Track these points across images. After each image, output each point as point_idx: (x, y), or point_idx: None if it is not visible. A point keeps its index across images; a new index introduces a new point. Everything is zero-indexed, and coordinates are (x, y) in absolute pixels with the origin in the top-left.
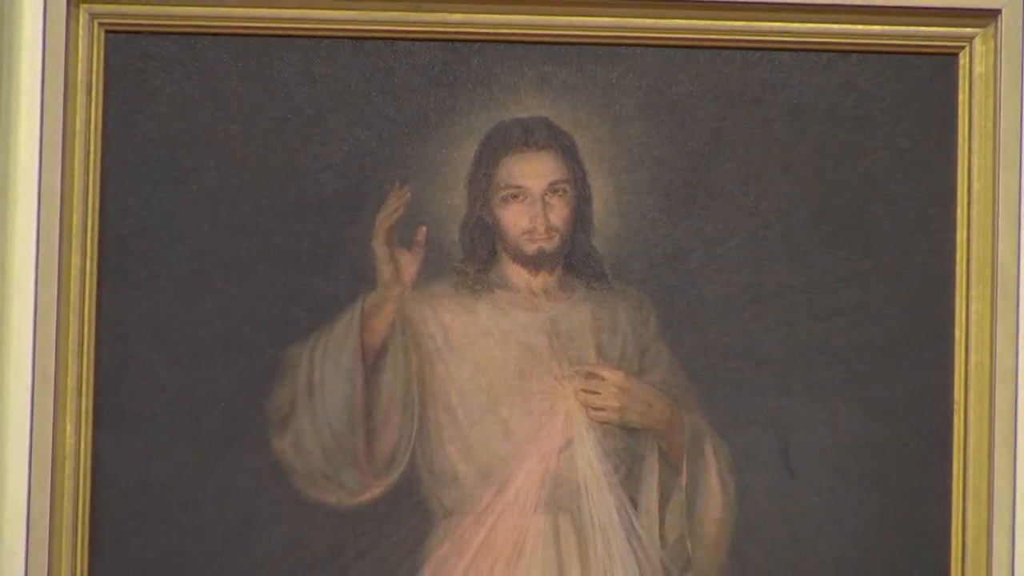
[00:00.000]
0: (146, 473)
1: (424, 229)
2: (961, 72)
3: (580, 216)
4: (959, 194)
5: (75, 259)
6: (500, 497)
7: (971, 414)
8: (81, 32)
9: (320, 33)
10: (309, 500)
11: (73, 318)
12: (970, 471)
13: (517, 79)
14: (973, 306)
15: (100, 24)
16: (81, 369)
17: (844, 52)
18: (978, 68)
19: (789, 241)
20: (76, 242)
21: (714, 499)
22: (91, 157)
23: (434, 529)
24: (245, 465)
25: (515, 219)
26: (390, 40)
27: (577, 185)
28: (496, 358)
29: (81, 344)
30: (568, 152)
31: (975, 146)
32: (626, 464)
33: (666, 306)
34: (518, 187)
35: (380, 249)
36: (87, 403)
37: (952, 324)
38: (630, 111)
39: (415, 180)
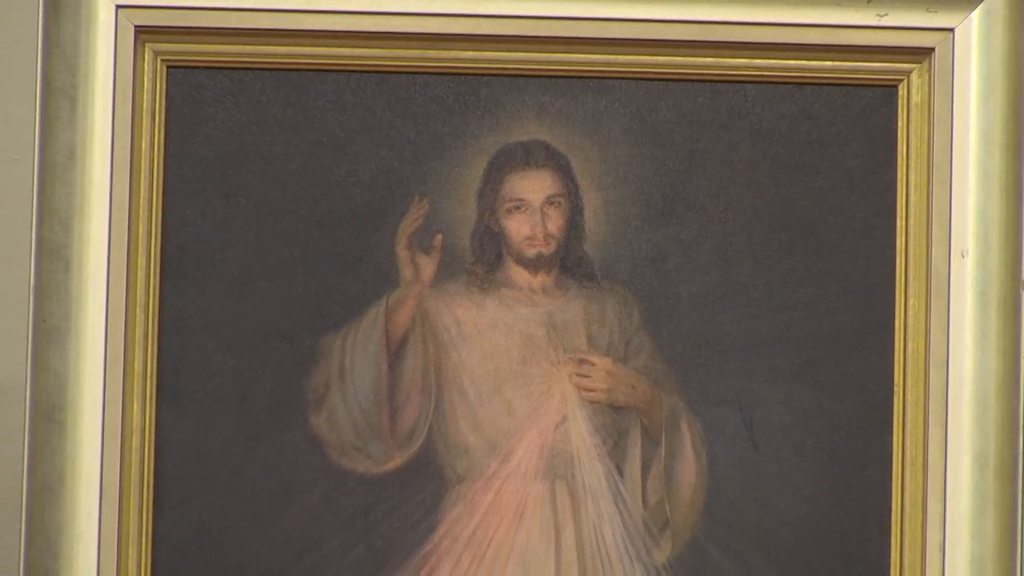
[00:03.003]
0: (201, 445)
1: (440, 236)
2: (900, 101)
3: (573, 225)
4: (898, 206)
5: (141, 262)
6: (505, 466)
7: (909, 394)
8: (146, 67)
9: (350, 68)
10: (341, 468)
11: (139, 312)
12: (908, 443)
13: (519, 107)
14: (910, 302)
15: (162, 60)
16: (146, 356)
17: (799, 84)
18: (915, 98)
19: (752, 246)
20: (142, 247)
21: (689, 467)
22: (155, 174)
23: (448, 493)
24: (286, 438)
25: (518, 227)
26: (411, 74)
27: (571, 198)
28: (501, 347)
29: (146, 334)
30: (563, 170)
31: (912, 165)
32: (613, 437)
33: (647, 302)
34: (520, 200)
35: (402, 253)
36: (151, 385)
37: (892, 317)
38: (616, 135)
39: (432, 194)
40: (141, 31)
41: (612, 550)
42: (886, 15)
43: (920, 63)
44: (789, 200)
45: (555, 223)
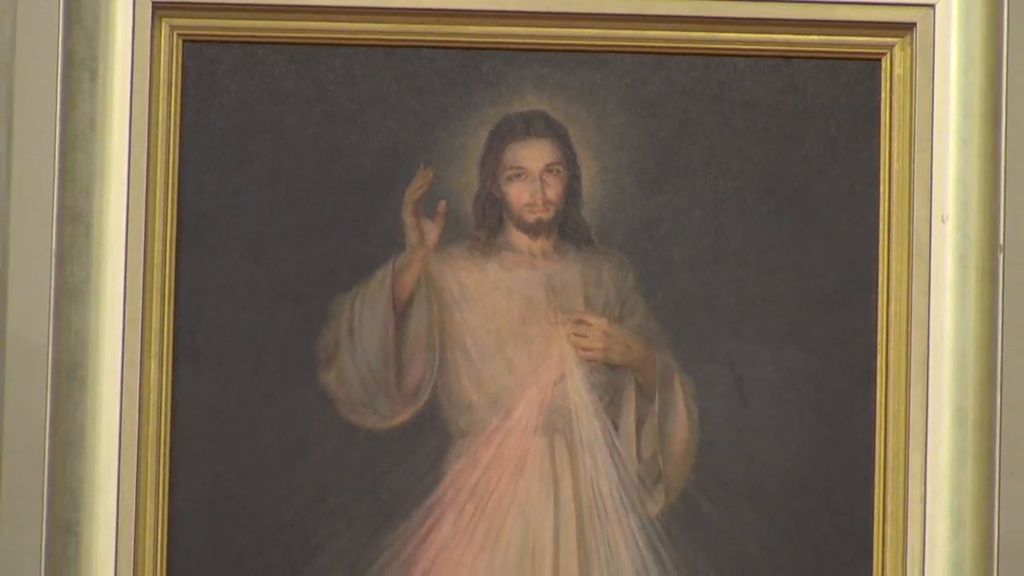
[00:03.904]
0: (216, 402)
1: (444, 202)
2: (883, 74)
3: (571, 192)
4: (881, 174)
5: (158, 226)
6: (506, 421)
7: (891, 353)
8: (163, 42)
9: (359, 42)
10: (350, 424)
11: (156, 274)
12: (890, 400)
13: (520, 80)
14: (893, 265)
15: (179, 35)
16: (163, 316)
17: (787, 58)
18: (897, 71)
19: (742, 212)
20: (159, 213)
21: (681, 423)
22: (171, 144)
23: (452, 447)
24: (297, 395)
25: (518, 194)
26: (416, 48)
27: (569, 166)
28: (502, 308)
29: (163, 296)
30: (562, 139)
31: (894, 134)
32: (609, 394)
33: (642, 265)
34: (521, 168)
35: (408, 219)
36: (168, 344)
37: (876, 279)
38: (612, 106)
39: (437, 163)
40: (158, 7)
41: (608, 501)
42: None
43: (902, 37)
44: (777, 168)
45: (554, 190)
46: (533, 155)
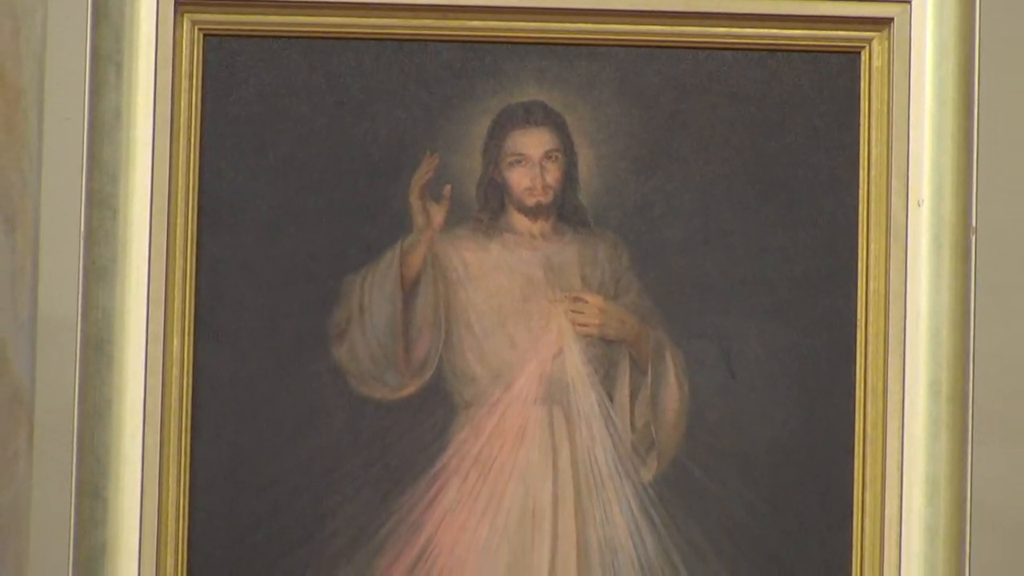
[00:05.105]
0: (235, 375)
1: (449, 187)
2: (862, 66)
3: (569, 177)
4: (860, 160)
5: (180, 210)
6: (507, 393)
7: (870, 329)
8: (185, 36)
9: (369, 37)
10: (360, 395)
11: (179, 255)
12: (869, 371)
13: (520, 72)
14: (872, 247)
15: (200, 29)
16: (185, 294)
17: (772, 51)
18: (876, 63)
19: (730, 196)
20: (181, 197)
21: (672, 394)
22: (192, 132)
23: (456, 418)
24: (311, 368)
25: (519, 179)
26: (423, 42)
27: (567, 153)
28: (504, 286)
29: (185, 275)
30: (560, 128)
31: (873, 123)
32: (604, 367)
33: (635, 246)
34: (521, 154)
35: (415, 202)
36: (189, 321)
37: (856, 260)
38: (607, 96)
39: (442, 149)
40: (181, 3)
41: (603, 468)
42: None
43: (880, 32)
44: (763, 155)
45: (552, 175)
46: (533, 142)
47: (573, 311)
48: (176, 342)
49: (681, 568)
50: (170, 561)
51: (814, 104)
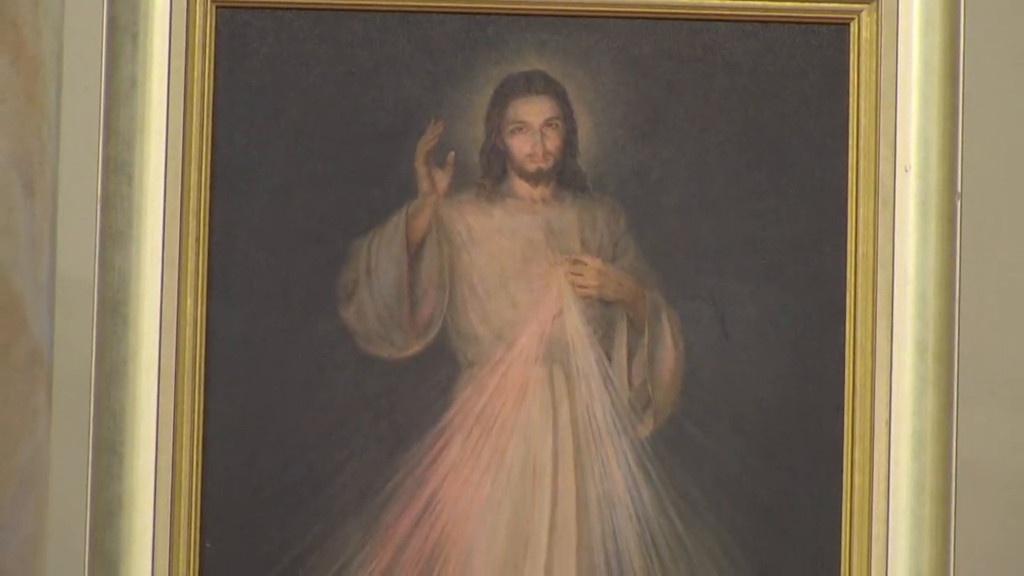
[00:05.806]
0: (246, 334)
1: (453, 153)
2: (852, 37)
3: (569, 144)
4: (850, 127)
5: (193, 174)
6: (509, 352)
7: (859, 291)
8: (198, 7)
9: (377, 8)
10: (367, 354)
11: (191, 218)
12: (858, 331)
13: (522, 43)
14: (860, 211)
15: (213, 1)
16: (198, 257)
17: (765, 22)
18: (864, 34)
19: (724, 162)
20: (194, 162)
21: (668, 354)
22: (205, 100)
23: (460, 376)
24: (320, 328)
25: (520, 146)
26: (428, 13)
27: (566, 120)
28: (506, 249)
29: (198, 238)
30: (560, 96)
31: (862, 92)
32: (602, 328)
33: (632, 210)
34: (522, 122)
35: (420, 168)
36: (203, 282)
37: (845, 224)
38: (605, 66)
39: (447, 117)
40: None
41: (602, 425)
42: None
43: (869, 3)
44: (756, 123)
45: (553, 142)
46: (534, 111)
47: (573, 273)
48: (189, 303)
49: (676, 521)
50: (184, 513)
51: (805, 74)
